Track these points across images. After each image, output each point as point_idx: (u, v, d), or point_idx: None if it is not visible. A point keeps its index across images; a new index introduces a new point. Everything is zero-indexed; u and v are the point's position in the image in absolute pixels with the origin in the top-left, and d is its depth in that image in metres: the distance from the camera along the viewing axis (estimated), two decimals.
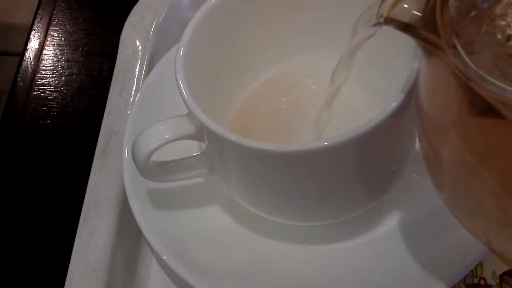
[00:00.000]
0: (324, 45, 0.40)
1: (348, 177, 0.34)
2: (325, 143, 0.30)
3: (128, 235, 0.40)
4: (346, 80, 0.35)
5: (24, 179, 0.46)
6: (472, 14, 0.23)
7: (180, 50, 0.34)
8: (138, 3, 0.50)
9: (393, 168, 0.36)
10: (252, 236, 0.39)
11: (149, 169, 0.35)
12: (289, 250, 0.38)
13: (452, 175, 0.26)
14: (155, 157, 0.34)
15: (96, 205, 0.40)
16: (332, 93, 0.36)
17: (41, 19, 0.55)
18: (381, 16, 0.27)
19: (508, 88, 0.21)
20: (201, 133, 0.33)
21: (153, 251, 0.40)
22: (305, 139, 0.39)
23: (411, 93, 0.30)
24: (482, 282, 0.39)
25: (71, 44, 0.53)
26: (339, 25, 0.36)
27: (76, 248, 0.38)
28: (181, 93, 0.33)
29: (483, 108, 0.22)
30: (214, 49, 0.38)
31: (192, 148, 0.37)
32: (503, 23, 0.23)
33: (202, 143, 0.35)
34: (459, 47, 0.23)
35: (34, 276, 0.41)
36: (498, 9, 0.23)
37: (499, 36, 0.23)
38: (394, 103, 0.30)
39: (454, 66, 0.22)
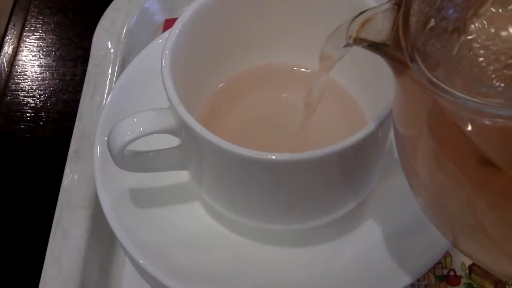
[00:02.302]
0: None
1: (323, 187, 0.34)
2: (306, 156, 0.31)
3: (101, 237, 0.40)
4: (320, 101, 0.36)
5: None
6: (429, 26, 0.24)
7: (168, 46, 0.34)
8: (110, 6, 0.50)
9: (365, 178, 0.37)
10: (230, 239, 0.39)
11: (124, 158, 0.35)
12: (267, 252, 0.38)
13: (426, 182, 0.27)
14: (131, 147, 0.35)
15: (69, 207, 0.40)
16: (308, 113, 0.37)
17: (14, 25, 0.55)
18: (350, 37, 0.28)
19: (469, 98, 0.21)
20: (179, 128, 0.33)
21: (126, 252, 0.40)
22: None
23: (385, 122, 0.31)
24: (452, 273, 0.39)
25: (44, 49, 0.53)
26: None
27: (49, 250, 0.38)
28: (165, 87, 0.33)
29: (447, 118, 0.23)
30: (200, 44, 0.38)
31: (169, 141, 0.37)
32: (458, 33, 0.24)
33: (178, 138, 0.35)
34: (419, 61, 0.23)
35: (8, 279, 0.41)
36: (452, 20, 0.24)
37: (456, 46, 0.23)
38: (365, 131, 0.31)
39: (417, 80, 0.23)
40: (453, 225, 0.27)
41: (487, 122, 0.21)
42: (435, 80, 0.22)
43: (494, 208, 0.23)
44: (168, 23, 0.51)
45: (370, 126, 0.31)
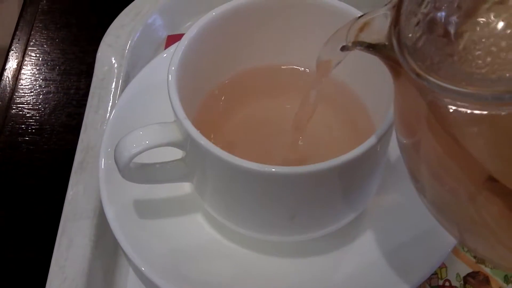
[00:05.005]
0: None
1: (323, 199, 0.35)
2: (311, 169, 0.31)
3: (105, 247, 0.41)
4: (312, 115, 0.37)
5: (3, 194, 0.47)
6: (415, 22, 0.25)
7: (175, 61, 0.35)
8: (114, 23, 0.51)
9: (364, 190, 0.37)
10: (231, 249, 0.40)
11: (130, 170, 0.36)
12: (267, 262, 0.39)
13: (429, 178, 0.27)
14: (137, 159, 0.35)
15: (74, 217, 0.41)
16: (303, 118, 0.37)
17: (19, 39, 0.56)
18: (349, 41, 0.29)
19: (450, 86, 0.22)
20: (184, 141, 0.34)
21: (130, 261, 0.41)
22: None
23: (386, 135, 0.32)
24: (447, 283, 0.40)
25: (49, 64, 0.55)
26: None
27: (55, 259, 0.39)
28: (171, 102, 0.34)
29: (437, 116, 0.23)
30: (204, 59, 0.39)
31: (170, 154, 0.38)
32: (442, 26, 0.24)
33: (182, 151, 0.36)
34: (407, 56, 0.24)
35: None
36: (435, 14, 0.24)
37: (440, 39, 0.24)
38: (365, 146, 0.32)
39: (409, 77, 0.23)
40: (457, 221, 0.27)
41: (471, 112, 0.22)
42: (419, 70, 0.23)
43: (494, 204, 0.23)
44: (170, 39, 0.53)
45: (371, 140, 0.32)
